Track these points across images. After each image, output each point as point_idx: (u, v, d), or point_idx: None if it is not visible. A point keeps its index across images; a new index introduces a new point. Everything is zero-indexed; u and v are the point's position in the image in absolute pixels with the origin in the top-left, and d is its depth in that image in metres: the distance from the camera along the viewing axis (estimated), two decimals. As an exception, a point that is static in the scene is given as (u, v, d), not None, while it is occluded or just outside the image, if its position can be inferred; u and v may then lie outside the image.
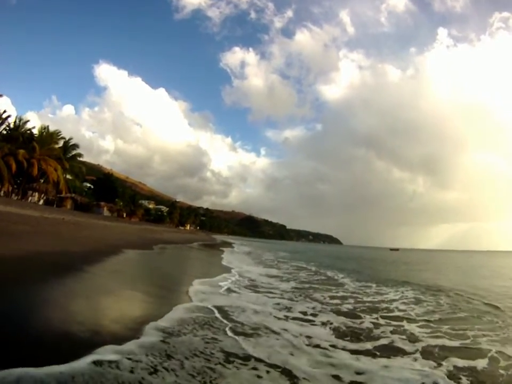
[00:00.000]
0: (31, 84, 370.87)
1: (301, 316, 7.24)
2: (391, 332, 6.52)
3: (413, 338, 6.19)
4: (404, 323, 7.37)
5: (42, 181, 35.86)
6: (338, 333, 6.14)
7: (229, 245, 45.26)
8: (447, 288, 13.58)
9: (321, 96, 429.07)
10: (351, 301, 9.69)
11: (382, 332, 6.48)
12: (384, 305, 9.47)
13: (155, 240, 23.55)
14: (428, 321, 7.73)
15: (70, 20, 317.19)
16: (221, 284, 9.83)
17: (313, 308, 8.16)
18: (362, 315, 7.81)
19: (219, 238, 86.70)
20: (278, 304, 8.28)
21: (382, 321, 7.40)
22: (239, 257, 24.53)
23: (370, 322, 7.20)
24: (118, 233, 21.74)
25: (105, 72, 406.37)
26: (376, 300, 10.25)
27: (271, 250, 47.18)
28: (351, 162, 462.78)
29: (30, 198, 35.22)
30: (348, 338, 5.89)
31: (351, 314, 7.77)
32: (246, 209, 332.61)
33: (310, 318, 7.14)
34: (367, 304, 9.40)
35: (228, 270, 13.96)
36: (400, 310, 8.87)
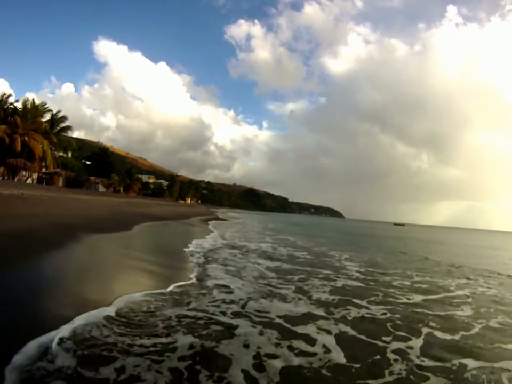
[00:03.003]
0: (29, 65, 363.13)
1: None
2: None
3: None
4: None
5: (34, 158, 33.84)
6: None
7: (223, 220, 42.30)
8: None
9: (326, 70, 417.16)
10: (368, 302, 6.64)
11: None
12: (437, 311, 6.28)
13: (140, 217, 20.80)
14: None
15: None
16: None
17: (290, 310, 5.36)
18: (385, 339, 4.60)
19: (219, 211, 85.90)
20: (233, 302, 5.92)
21: (428, 361, 4.00)
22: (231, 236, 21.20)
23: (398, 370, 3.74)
24: (87, 209, 18.58)
25: (105, 48, 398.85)
26: (417, 302, 7.03)
27: (267, 224, 44.16)
28: (355, 136, 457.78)
29: (16, 178, 33.44)
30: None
31: (361, 339, 4.60)
32: (248, 182, 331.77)
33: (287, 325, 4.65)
34: (401, 309, 6.32)
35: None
36: (472, 331, 5.38)
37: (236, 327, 4.65)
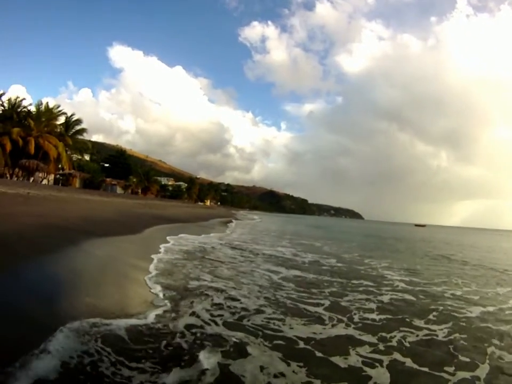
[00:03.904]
0: (45, 71, 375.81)
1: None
2: None
3: None
4: None
5: (49, 160, 33.51)
6: None
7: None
8: None
9: (341, 69, 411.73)
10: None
11: None
12: (497, 326, 5.44)
13: (153, 219, 19.19)
14: None
15: (79, 5, 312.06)
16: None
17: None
18: (447, 369, 3.72)
19: (239, 213, 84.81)
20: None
21: None
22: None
23: None
24: (95, 210, 17.29)
25: (120, 54, 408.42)
26: (476, 316, 5.98)
27: (286, 225, 41.46)
28: (373, 136, 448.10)
29: (31, 179, 33.20)
30: None
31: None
32: (268, 184, 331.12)
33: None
34: (463, 326, 5.15)
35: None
36: None
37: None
